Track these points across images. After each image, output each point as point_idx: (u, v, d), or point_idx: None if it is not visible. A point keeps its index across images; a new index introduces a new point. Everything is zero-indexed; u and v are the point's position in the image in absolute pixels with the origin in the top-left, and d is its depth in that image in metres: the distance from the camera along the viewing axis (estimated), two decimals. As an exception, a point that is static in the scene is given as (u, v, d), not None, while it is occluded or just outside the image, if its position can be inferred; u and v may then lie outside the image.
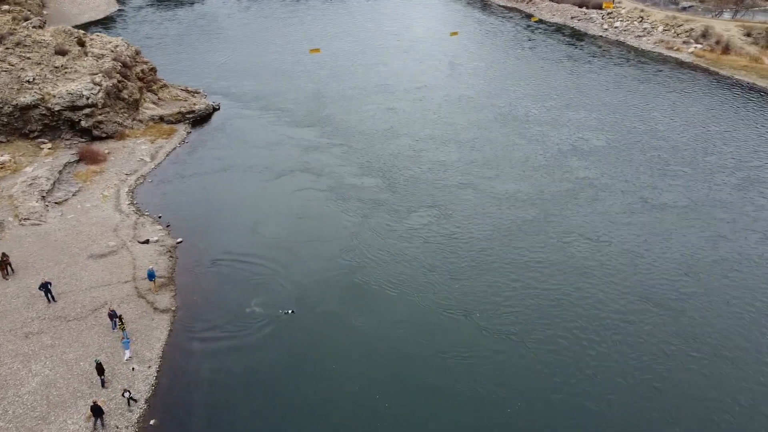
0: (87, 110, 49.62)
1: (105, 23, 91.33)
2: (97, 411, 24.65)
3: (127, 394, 25.87)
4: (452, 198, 43.13)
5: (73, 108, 49.16)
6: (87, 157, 47.13)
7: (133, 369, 28.12)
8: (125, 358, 28.44)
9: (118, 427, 25.22)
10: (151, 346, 29.64)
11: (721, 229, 39.46)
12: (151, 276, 32.96)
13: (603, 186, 44.84)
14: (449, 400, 26.51)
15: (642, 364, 28.48)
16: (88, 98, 49.54)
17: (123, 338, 28.78)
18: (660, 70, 71.42)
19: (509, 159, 49.13)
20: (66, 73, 52.04)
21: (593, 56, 77.36)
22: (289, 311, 31.48)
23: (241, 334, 30.39)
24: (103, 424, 25.08)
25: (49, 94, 49.01)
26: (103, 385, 26.95)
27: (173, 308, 32.33)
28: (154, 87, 58.30)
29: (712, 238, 38.54)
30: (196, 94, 61.18)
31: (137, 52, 59.77)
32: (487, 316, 31.37)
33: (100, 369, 26.70)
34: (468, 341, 29.71)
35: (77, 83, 50.43)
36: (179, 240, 38.31)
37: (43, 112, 48.45)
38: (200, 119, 56.84)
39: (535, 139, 52.85)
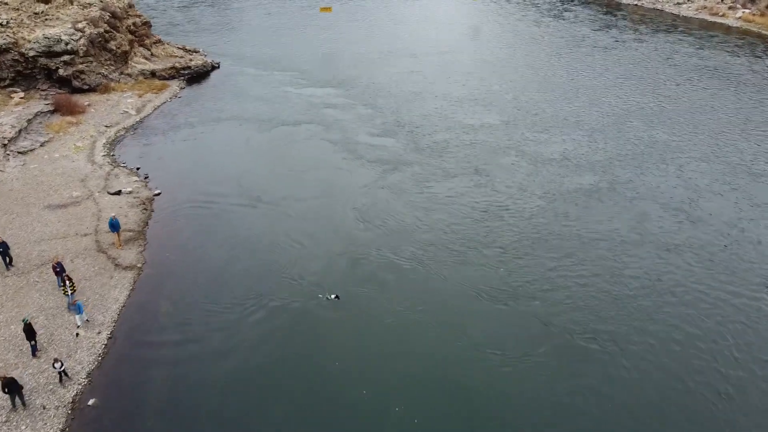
0: (66, 57, 43.63)
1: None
2: (11, 386, 18.12)
3: (58, 366, 19.33)
4: (493, 162, 35.48)
5: (50, 54, 43.21)
6: (63, 108, 41.05)
7: (77, 335, 21.64)
8: (78, 324, 21.99)
9: (45, 407, 18.70)
10: (106, 308, 23.14)
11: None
12: (113, 227, 26.51)
13: (677, 149, 37.12)
14: (488, 413, 18.90)
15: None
16: (67, 44, 43.57)
17: (72, 301, 22.33)
18: (713, 35, 63.96)
19: (557, 121, 41.61)
20: (46, 19, 46.19)
21: (637, 23, 70.11)
22: (332, 296, 23.49)
23: (220, 300, 23.73)
24: (24, 403, 18.60)
25: (23, 38, 43.15)
26: (33, 354, 20.51)
27: (139, 265, 25.86)
28: (147, 42, 52.27)
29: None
30: (194, 53, 55.08)
31: (130, 5, 53.78)
32: (541, 303, 23.28)
33: (29, 332, 20.23)
34: (515, 335, 21.70)
35: (57, 29, 44.56)
36: (157, 192, 31.90)
37: (16, 58, 42.51)
38: (197, 76, 50.64)
39: (585, 101, 45.38)
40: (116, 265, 25.77)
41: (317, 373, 20.23)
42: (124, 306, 23.46)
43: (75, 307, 21.83)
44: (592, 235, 28.00)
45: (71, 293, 22.68)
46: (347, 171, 34.52)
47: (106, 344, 21.45)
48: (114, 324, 22.45)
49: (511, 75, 51.78)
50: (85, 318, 21.92)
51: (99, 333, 21.87)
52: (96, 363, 20.64)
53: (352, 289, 24.21)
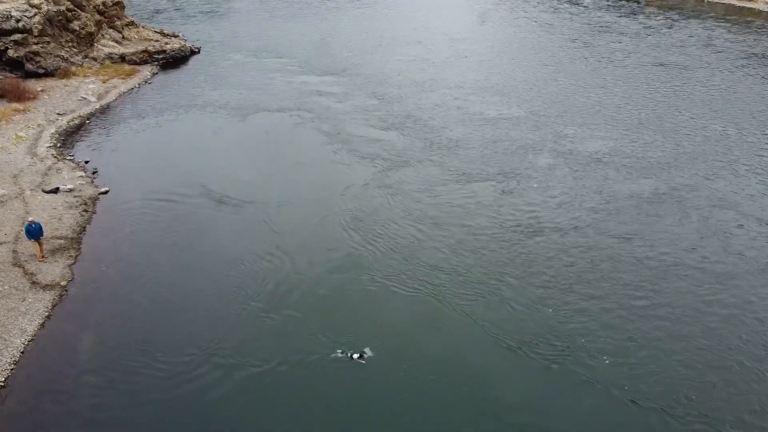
0: (17, 36, 37.64)
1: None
2: None
3: None
4: (522, 162, 28.81)
5: (-2, 32, 37.31)
6: (10, 94, 34.97)
7: (-45, 384, 15.49)
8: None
9: None
10: (6, 343, 16.97)
11: None
12: (32, 233, 20.31)
13: (743, 146, 30.61)
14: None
15: None
16: (18, 21, 37.59)
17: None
18: (749, 21, 57.87)
19: (594, 113, 35.03)
20: (-1, -5, 40.40)
21: (662, 9, 63.97)
22: (356, 355, 16.58)
23: (166, 336, 17.59)
24: None
25: (-32, 14, 37.25)
26: None
27: (63, 283, 19.69)
28: (118, 23, 46.25)
29: None
30: (172, 37, 49.05)
31: (101, -16, 47.84)
32: (611, 365, 16.40)
33: None
34: (573, 413, 15.07)
35: (7, 5, 38.58)
36: (104, 189, 25.78)
37: (-43, 36, 36.66)
38: (173, 62, 44.59)
39: (623, 91, 38.69)
40: (33, 283, 19.62)
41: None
42: (32, 340, 17.30)
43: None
44: (663, 262, 21.22)
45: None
46: (341, 169, 28.32)
47: (-7, 398, 15.27)
48: (13, 367, 16.27)
49: (533, 63, 45.58)
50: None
51: (-12, 381, 15.70)
52: (-26, 428, 14.47)
53: (346, 335, 17.74)
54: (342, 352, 16.70)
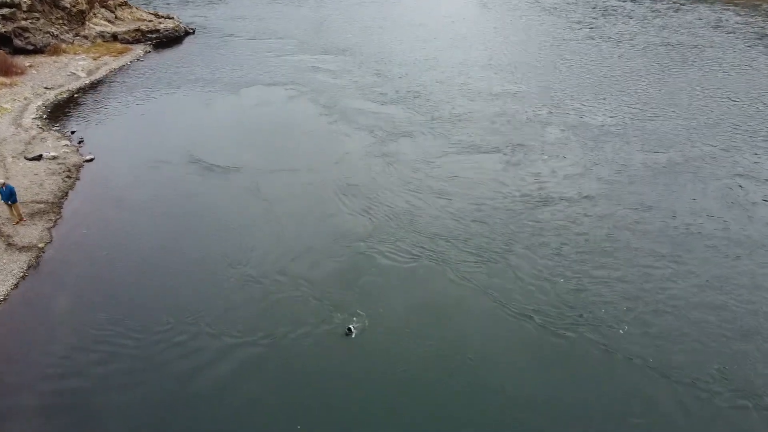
0: (5, 11, 36.49)
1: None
2: None
3: None
4: (530, 135, 27.24)
5: (-15, 6, 36.11)
6: (-5, 68, 33.89)
7: None
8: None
9: None
10: (-26, 304, 15.70)
11: None
12: (3, 195, 19.04)
13: (765, 119, 29.17)
14: None
15: None
16: (6, -6, 36.49)
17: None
18: (756, 4, 56.58)
19: (602, 90, 33.53)
20: (-12, -29, 39.22)
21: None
22: (352, 328, 15.00)
23: (146, 299, 16.23)
24: None
25: (-46, -12, 36.09)
26: None
27: (41, 245, 18.42)
28: (111, 3, 45.10)
29: None
30: (166, 18, 47.85)
31: (94, -37, 46.67)
32: (628, 335, 14.80)
33: None
34: (586, 390, 13.67)
35: (-3, -21, 37.44)
36: (89, 157, 24.52)
37: (-58, 9, 35.47)
38: (166, 41, 43.40)
39: (633, 69, 37.18)
40: (9, 245, 18.34)
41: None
42: (4, 300, 16.02)
43: None
44: (683, 230, 19.65)
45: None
46: (339, 140, 26.97)
47: (-43, 361, 13.97)
48: (-20, 329, 14.99)
49: (538, 44, 44.27)
50: None
51: (-49, 342, 14.40)
52: (-67, 389, 13.15)
53: (342, 306, 16.47)
54: (349, 323, 15.25)
